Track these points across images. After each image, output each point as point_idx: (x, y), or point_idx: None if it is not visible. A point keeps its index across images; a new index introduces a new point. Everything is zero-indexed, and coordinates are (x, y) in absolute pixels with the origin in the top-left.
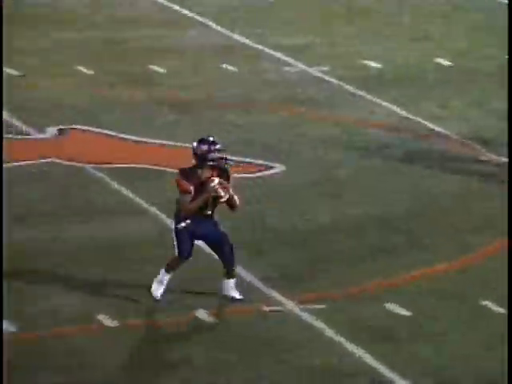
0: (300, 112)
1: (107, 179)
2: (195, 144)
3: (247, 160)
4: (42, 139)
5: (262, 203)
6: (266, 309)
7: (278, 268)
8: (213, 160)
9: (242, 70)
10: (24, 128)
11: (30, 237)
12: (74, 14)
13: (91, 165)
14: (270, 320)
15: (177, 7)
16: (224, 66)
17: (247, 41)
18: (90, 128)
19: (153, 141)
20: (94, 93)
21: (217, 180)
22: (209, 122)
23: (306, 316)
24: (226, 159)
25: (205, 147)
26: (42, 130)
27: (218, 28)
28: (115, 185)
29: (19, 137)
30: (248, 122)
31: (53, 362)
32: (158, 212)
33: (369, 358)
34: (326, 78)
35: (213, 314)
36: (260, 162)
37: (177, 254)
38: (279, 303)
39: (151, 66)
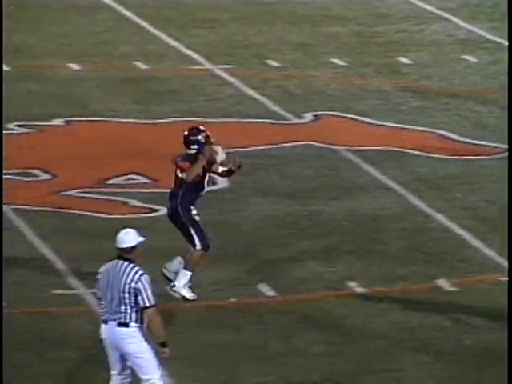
0: None
1: (358, 160)
2: (196, 134)
3: (483, 143)
4: (299, 124)
5: (499, 183)
6: (501, 279)
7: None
8: (211, 143)
9: (480, 60)
10: (283, 113)
11: (294, 211)
12: (328, 11)
13: (344, 147)
14: (503, 288)
15: (419, 2)
16: (464, 57)
17: (485, 33)
18: (343, 114)
19: (399, 125)
20: (347, 82)
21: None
22: (449, 108)
23: None
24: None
25: (205, 134)
26: (299, 116)
27: (458, 21)
28: (365, 165)
29: (279, 122)
30: (485, 109)
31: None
32: (403, 190)
33: None
34: None
35: (453, 284)
36: (496, 145)
37: (200, 247)
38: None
39: (397, 58)
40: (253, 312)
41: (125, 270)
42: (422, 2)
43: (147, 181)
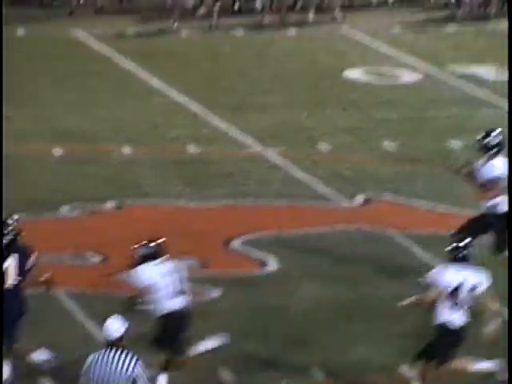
0: None
1: (409, 243)
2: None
3: None
4: (350, 207)
5: None
6: None
7: None
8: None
9: None
10: (334, 196)
11: (344, 294)
12: (378, 97)
13: (395, 230)
14: None
15: (470, 89)
16: None
17: None
18: (394, 197)
19: (448, 210)
20: (397, 166)
21: None
22: None
23: None
24: None
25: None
26: (350, 199)
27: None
28: (416, 248)
29: (330, 204)
30: None
31: None
32: None
33: None
34: None
35: None
36: None
37: None
38: None
39: (447, 143)
40: None
41: (119, 359)
42: (471, 87)
43: (197, 263)
